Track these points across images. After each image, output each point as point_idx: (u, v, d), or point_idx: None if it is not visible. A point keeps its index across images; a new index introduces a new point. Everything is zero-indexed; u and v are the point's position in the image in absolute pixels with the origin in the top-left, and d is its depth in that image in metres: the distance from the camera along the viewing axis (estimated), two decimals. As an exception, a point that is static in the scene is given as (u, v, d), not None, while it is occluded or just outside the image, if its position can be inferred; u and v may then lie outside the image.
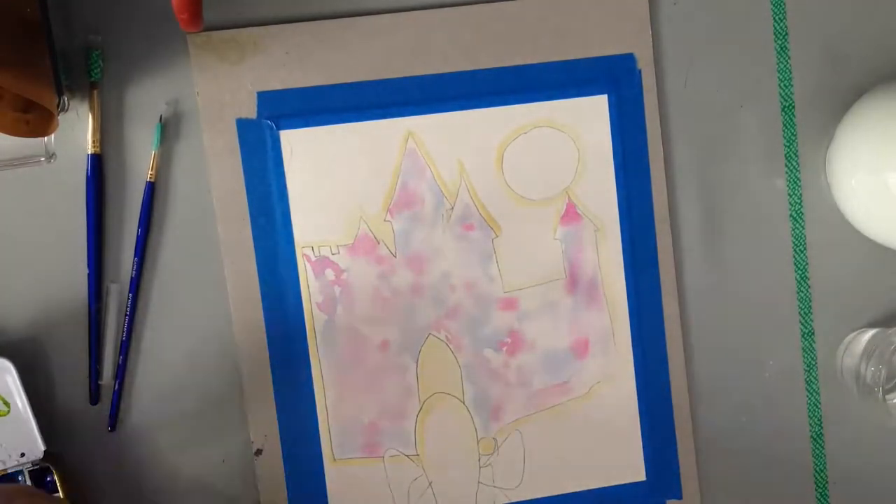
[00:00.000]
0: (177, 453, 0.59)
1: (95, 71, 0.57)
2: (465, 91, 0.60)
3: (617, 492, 0.62)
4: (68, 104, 0.55)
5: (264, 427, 0.59)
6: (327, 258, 0.59)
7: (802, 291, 0.64)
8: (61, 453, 0.58)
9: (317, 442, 0.60)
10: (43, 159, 0.56)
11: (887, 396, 0.62)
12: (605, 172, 0.61)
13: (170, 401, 0.59)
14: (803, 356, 0.65)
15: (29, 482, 0.56)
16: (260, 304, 0.59)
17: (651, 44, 0.61)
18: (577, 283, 0.62)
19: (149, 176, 0.58)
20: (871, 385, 0.62)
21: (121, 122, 0.58)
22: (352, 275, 0.60)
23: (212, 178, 0.58)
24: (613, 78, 0.61)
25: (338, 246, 0.60)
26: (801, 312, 0.64)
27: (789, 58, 0.63)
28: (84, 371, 0.58)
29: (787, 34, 0.63)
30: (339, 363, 0.60)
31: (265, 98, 0.58)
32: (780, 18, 0.63)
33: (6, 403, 0.55)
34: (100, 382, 0.58)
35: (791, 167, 0.64)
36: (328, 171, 0.59)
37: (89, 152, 0.57)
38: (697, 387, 0.63)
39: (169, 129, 0.58)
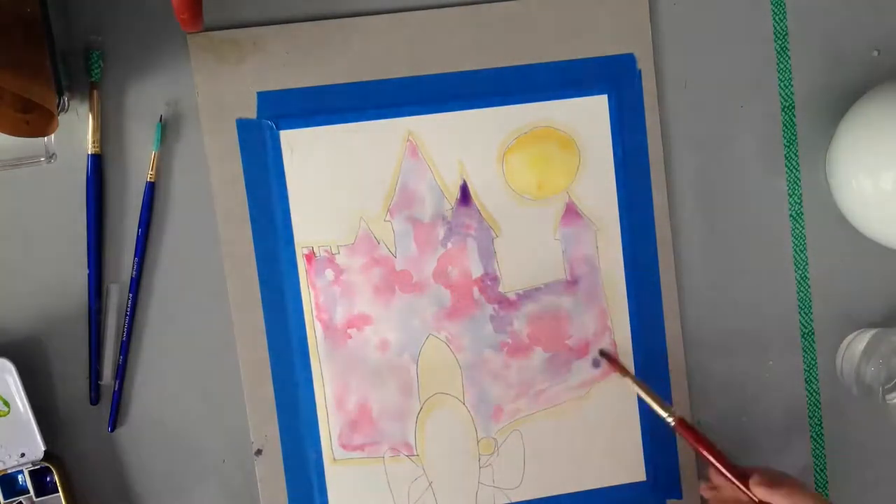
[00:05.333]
0: (177, 453, 0.59)
1: (95, 71, 0.57)
2: (465, 91, 0.60)
3: (617, 492, 0.62)
4: (68, 104, 0.55)
5: (264, 427, 0.59)
6: (327, 258, 0.59)
7: (802, 291, 0.64)
8: (61, 453, 0.58)
9: (317, 442, 0.60)
10: (43, 159, 0.56)
11: (887, 396, 0.63)
12: (605, 172, 0.61)
13: (170, 401, 0.59)
14: (803, 356, 0.65)
15: (29, 482, 0.56)
16: (260, 305, 0.59)
17: (651, 44, 0.61)
18: (577, 283, 0.62)
19: (149, 176, 0.58)
20: (871, 385, 0.62)
21: (121, 122, 0.58)
22: (352, 275, 0.60)
23: (212, 178, 0.58)
24: (613, 78, 0.61)
25: (338, 246, 0.60)
26: (801, 312, 0.64)
27: (789, 58, 0.63)
28: (84, 371, 0.58)
29: (787, 34, 0.63)
30: (339, 363, 0.60)
31: (265, 98, 0.58)
32: (780, 18, 0.63)
33: (6, 403, 0.55)
34: (100, 382, 0.58)
35: (791, 167, 0.64)
36: (328, 171, 0.59)
37: (89, 152, 0.57)
38: (697, 387, 0.63)
39: (169, 129, 0.58)
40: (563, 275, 0.61)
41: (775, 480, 0.54)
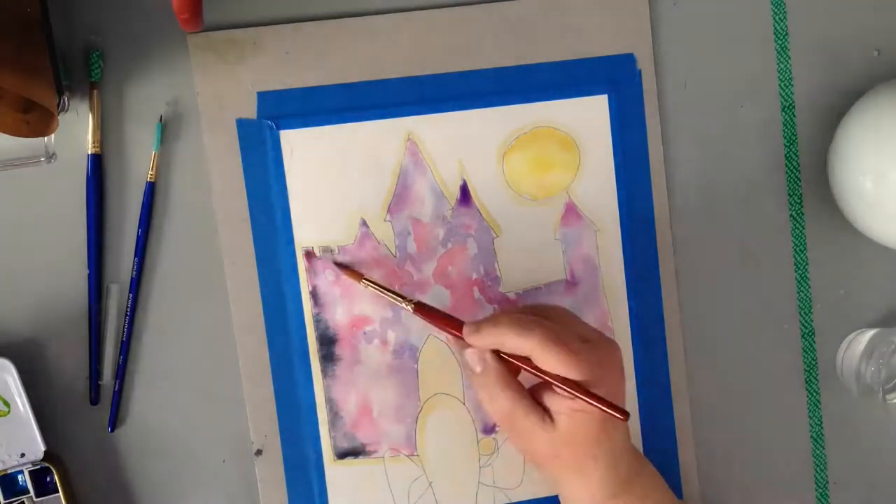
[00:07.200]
0: (177, 453, 0.59)
1: (95, 71, 0.57)
2: (465, 91, 0.60)
3: (617, 492, 0.62)
4: (68, 104, 0.55)
5: (264, 427, 0.59)
6: (327, 258, 0.59)
7: (802, 291, 0.64)
8: (61, 453, 0.58)
9: (317, 442, 0.60)
10: (43, 159, 0.56)
11: (887, 396, 0.63)
12: (605, 172, 0.61)
13: (170, 401, 0.59)
14: (803, 356, 0.64)
15: (29, 482, 0.56)
16: (260, 304, 0.59)
17: (651, 44, 0.61)
18: (577, 283, 0.62)
19: (149, 176, 0.58)
20: (871, 385, 0.62)
21: (121, 122, 0.58)
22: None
23: (212, 178, 0.58)
24: (613, 78, 0.61)
25: (338, 246, 0.60)
26: (801, 312, 0.64)
27: (789, 58, 0.63)
28: (84, 371, 0.58)
29: (787, 34, 0.63)
30: (338, 363, 0.60)
31: (265, 98, 0.58)
32: (780, 18, 0.63)
33: (6, 403, 0.55)
34: (100, 382, 0.58)
35: (791, 167, 0.64)
36: (328, 171, 0.59)
37: (89, 152, 0.57)
38: (697, 387, 0.63)
39: (169, 129, 0.58)
40: (563, 275, 0.62)
41: (484, 321, 0.53)
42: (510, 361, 0.52)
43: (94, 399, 0.58)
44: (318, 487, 0.60)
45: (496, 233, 0.61)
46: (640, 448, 0.62)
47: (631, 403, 0.62)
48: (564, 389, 0.51)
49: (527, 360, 0.52)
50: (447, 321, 0.55)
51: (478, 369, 0.53)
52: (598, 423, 0.51)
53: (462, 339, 0.54)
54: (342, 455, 0.60)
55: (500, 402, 0.52)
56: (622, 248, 0.62)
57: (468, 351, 0.53)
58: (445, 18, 0.60)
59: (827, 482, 0.65)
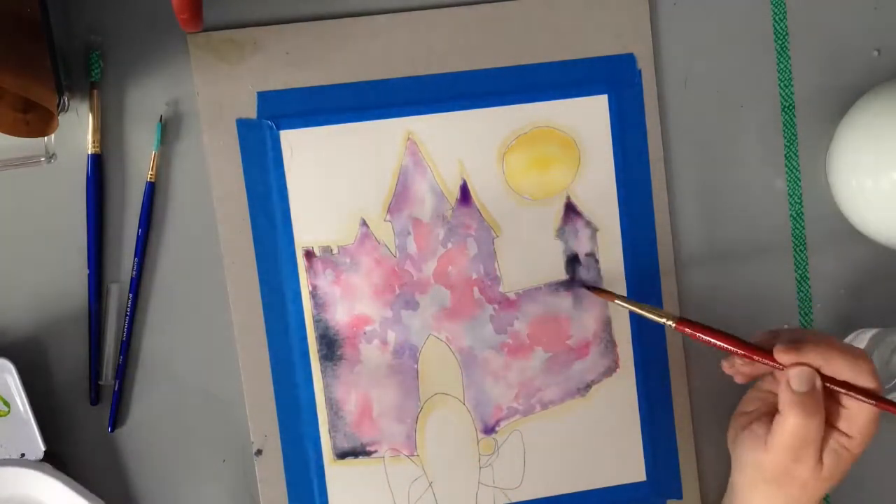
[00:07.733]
0: (177, 453, 0.59)
1: (95, 71, 0.57)
2: (465, 91, 0.60)
3: (617, 492, 0.62)
4: (68, 104, 0.55)
5: (264, 427, 0.59)
6: (327, 258, 0.59)
7: (802, 291, 0.64)
8: (61, 453, 0.58)
9: (317, 442, 0.60)
10: (43, 159, 0.56)
11: (888, 397, 0.62)
12: (605, 172, 0.61)
13: (170, 401, 0.59)
14: (803, 356, 0.64)
15: (29, 482, 0.56)
16: (260, 305, 0.59)
17: (651, 44, 0.61)
18: (577, 283, 0.62)
19: (149, 176, 0.58)
20: (871, 385, 0.61)
21: (121, 122, 0.58)
22: (352, 275, 0.60)
23: (212, 178, 0.58)
24: (613, 78, 0.61)
25: (338, 246, 0.60)
26: (801, 312, 0.64)
27: (789, 58, 0.63)
28: (84, 371, 0.58)
29: (787, 34, 0.63)
30: (338, 363, 0.60)
31: (265, 98, 0.58)
32: (780, 18, 0.63)
33: (6, 403, 0.55)
34: (100, 382, 0.58)
35: (791, 167, 0.64)
36: (328, 171, 0.59)
37: (89, 152, 0.57)
38: (698, 387, 0.63)
39: (169, 129, 0.58)
40: (564, 275, 0.62)
41: (798, 339, 0.53)
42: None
43: (94, 399, 0.58)
44: (318, 487, 0.60)
45: (496, 233, 0.61)
46: (640, 447, 0.62)
47: (631, 403, 0.62)
48: (878, 404, 0.53)
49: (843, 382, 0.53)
50: (734, 342, 0.55)
51: (803, 388, 0.52)
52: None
53: (757, 360, 0.54)
54: (342, 455, 0.60)
55: (813, 426, 0.52)
56: (622, 248, 0.62)
57: (801, 369, 0.53)
58: (445, 18, 0.60)
59: (827, 482, 0.65)
